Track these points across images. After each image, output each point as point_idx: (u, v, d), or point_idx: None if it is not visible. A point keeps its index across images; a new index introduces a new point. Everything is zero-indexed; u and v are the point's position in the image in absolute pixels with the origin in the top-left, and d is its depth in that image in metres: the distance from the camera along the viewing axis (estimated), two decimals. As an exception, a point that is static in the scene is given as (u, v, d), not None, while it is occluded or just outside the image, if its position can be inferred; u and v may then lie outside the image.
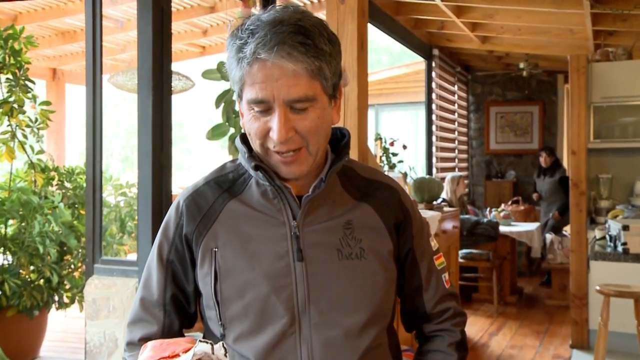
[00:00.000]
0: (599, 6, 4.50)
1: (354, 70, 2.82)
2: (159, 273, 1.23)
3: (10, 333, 4.08)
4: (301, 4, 5.12)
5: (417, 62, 7.67)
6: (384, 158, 6.06)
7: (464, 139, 8.23)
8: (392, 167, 5.97)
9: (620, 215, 4.68)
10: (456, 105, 7.80)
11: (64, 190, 4.47)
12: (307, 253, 1.14)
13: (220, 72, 3.08)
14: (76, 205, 4.47)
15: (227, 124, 3.09)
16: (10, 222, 4.22)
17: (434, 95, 6.83)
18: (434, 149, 6.89)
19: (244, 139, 1.19)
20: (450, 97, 7.51)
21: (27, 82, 4.19)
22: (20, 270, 4.11)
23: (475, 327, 5.29)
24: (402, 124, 9.13)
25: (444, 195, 6.04)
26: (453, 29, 6.04)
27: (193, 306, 1.25)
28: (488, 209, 7.07)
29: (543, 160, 7.02)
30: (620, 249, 4.26)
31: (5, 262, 4.14)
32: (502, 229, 6.17)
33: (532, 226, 6.46)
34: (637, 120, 4.82)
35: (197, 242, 1.18)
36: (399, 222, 1.23)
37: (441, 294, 1.29)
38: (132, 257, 3.63)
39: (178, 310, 1.24)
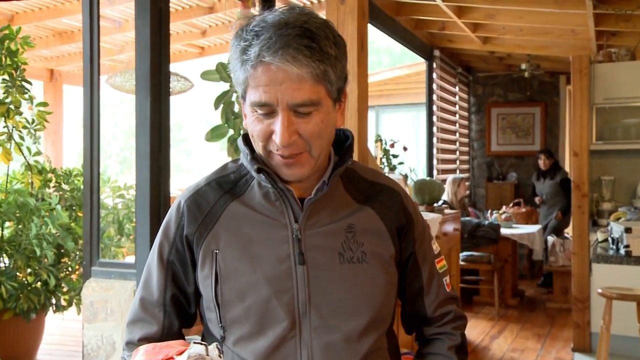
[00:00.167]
0: (601, 6, 4.47)
1: (354, 71, 2.80)
2: (159, 273, 1.22)
3: (7, 336, 4.06)
4: (301, 4, 5.09)
5: (417, 63, 7.66)
6: (384, 160, 6.02)
7: (465, 140, 8.20)
8: (392, 168, 5.94)
9: (623, 217, 4.65)
10: (457, 106, 7.77)
11: (61, 192, 4.44)
12: (308, 256, 1.14)
13: (219, 73, 3.07)
14: (73, 207, 4.45)
15: (226, 125, 3.08)
16: (7, 224, 4.20)
17: (434, 97, 6.79)
18: (434, 150, 6.85)
19: (247, 139, 1.19)
20: (451, 98, 7.48)
21: (23, 83, 4.17)
22: (17, 273, 4.08)
23: (477, 330, 5.26)
24: (402, 126, 9.11)
25: (444, 197, 6.01)
26: (454, 29, 6.02)
27: (193, 307, 1.25)
28: (489, 211, 7.04)
29: (542, 162, 6.97)
30: (622, 251, 4.23)
31: (2, 265, 4.11)
32: (504, 231, 6.13)
33: (533, 228, 6.42)
34: (640, 121, 4.80)
35: (198, 243, 1.17)
36: (401, 226, 1.23)
37: (442, 297, 1.29)
38: (130, 259, 3.61)
39: (178, 311, 1.24)
